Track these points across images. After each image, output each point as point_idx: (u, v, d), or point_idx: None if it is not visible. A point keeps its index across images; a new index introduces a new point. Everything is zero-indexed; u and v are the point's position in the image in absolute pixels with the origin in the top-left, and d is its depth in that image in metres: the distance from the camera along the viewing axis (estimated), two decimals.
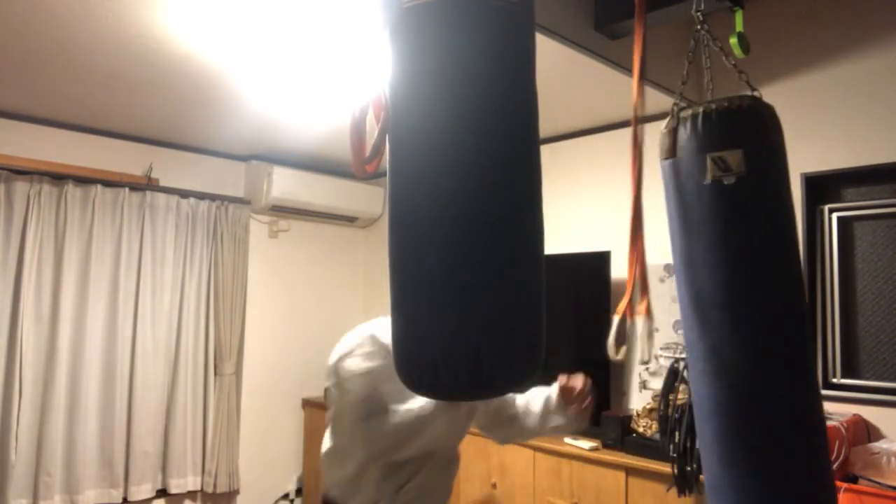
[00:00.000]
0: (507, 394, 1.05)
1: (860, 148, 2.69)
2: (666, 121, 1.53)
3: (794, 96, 2.89)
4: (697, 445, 2.48)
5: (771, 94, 2.97)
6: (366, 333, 1.70)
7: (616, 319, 1.39)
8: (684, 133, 1.47)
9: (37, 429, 3.40)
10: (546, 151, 3.78)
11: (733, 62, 1.62)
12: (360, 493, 1.70)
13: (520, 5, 1.01)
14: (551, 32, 2.34)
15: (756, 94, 1.52)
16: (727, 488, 1.41)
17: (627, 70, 2.66)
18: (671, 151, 1.49)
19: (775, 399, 1.38)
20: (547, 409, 1.88)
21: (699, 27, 1.63)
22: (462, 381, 0.96)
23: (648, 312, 1.44)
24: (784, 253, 1.44)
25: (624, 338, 1.37)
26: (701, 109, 1.45)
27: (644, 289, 1.46)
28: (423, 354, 0.97)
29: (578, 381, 1.84)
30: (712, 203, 1.42)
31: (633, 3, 1.60)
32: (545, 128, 3.62)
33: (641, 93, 1.49)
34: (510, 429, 1.98)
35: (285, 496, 4.46)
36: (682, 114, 1.49)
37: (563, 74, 2.80)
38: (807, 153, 2.83)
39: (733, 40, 2.06)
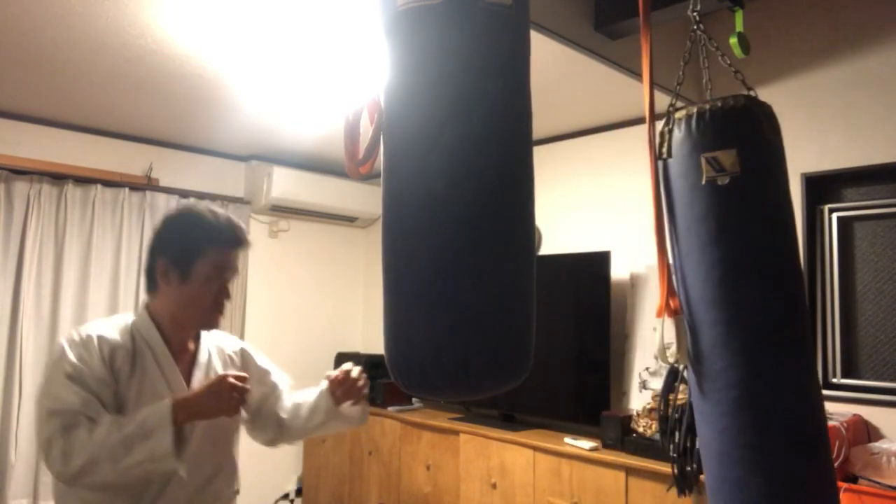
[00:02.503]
0: (493, 394, 1.03)
1: (860, 148, 2.68)
2: (663, 121, 1.53)
3: (794, 96, 2.88)
4: (697, 446, 2.49)
5: (771, 94, 2.98)
6: (88, 331, 1.51)
7: (663, 321, 1.38)
8: (678, 133, 1.46)
9: None
10: (546, 151, 3.78)
11: (729, 62, 1.62)
12: None
13: (514, 8, 1.01)
14: (551, 32, 2.34)
15: (752, 93, 1.51)
16: (728, 490, 1.41)
17: (627, 70, 2.66)
18: (665, 152, 1.49)
19: (774, 399, 1.37)
20: (316, 407, 1.76)
21: (695, 27, 1.63)
22: (450, 382, 0.96)
23: (680, 310, 1.43)
24: (781, 253, 1.43)
25: (673, 339, 1.37)
26: (695, 110, 1.45)
27: (672, 288, 1.45)
28: (411, 355, 0.98)
29: (347, 369, 1.74)
30: (707, 203, 1.41)
31: (633, 2, 1.60)
32: (546, 128, 3.62)
33: (652, 95, 1.49)
34: (277, 430, 1.82)
35: (285, 496, 4.46)
36: (677, 114, 1.49)
37: (563, 74, 2.80)
38: (807, 153, 2.83)
39: (733, 40, 2.06)
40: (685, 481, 2.49)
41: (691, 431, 2.53)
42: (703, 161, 1.41)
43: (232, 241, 1.62)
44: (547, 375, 3.38)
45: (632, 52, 2.56)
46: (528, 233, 1.02)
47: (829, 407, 2.59)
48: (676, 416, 2.57)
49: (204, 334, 1.71)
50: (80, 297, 3.60)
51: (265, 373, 1.87)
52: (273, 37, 2.48)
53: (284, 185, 4.20)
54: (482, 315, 0.95)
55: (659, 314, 1.40)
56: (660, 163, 1.51)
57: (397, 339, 1.01)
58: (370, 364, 4.29)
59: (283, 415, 1.81)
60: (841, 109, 2.75)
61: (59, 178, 3.56)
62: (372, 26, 1.07)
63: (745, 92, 1.52)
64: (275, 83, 2.96)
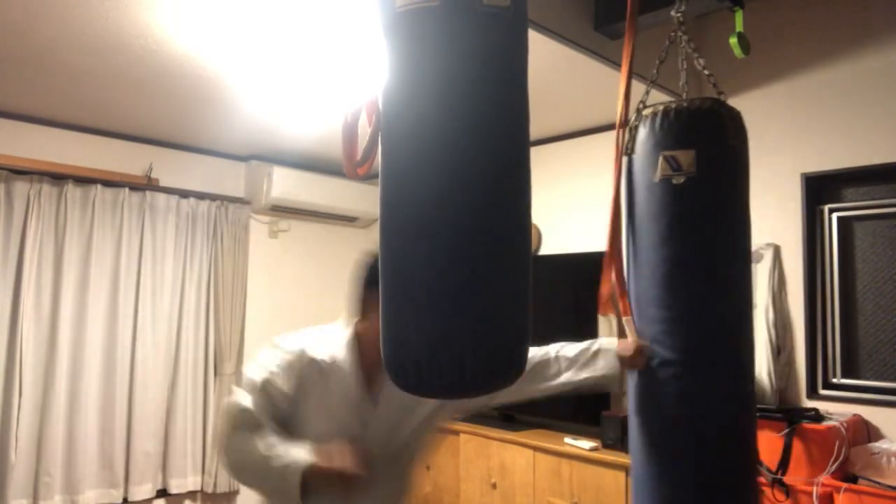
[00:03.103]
0: (488, 394, 1.04)
1: (860, 148, 2.68)
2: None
3: (794, 96, 2.88)
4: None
5: (771, 94, 2.99)
6: (299, 342, 1.65)
7: (602, 319, 1.40)
8: (643, 131, 1.47)
9: (37, 429, 3.41)
10: (546, 151, 3.78)
11: (703, 65, 1.62)
12: None
13: (512, 10, 1.01)
14: (551, 32, 2.34)
15: (721, 96, 1.51)
16: (650, 484, 1.43)
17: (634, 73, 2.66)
18: (629, 149, 1.50)
19: (705, 401, 1.39)
20: (607, 365, 1.62)
21: (676, 30, 1.63)
22: (445, 382, 0.97)
23: (629, 311, 1.44)
24: (728, 256, 1.44)
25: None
26: (661, 108, 1.46)
27: (623, 287, 1.45)
28: (408, 355, 0.98)
29: (631, 345, 1.61)
30: (659, 201, 1.42)
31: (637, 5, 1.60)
32: (545, 128, 3.62)
33: (628, 95, 1.50)
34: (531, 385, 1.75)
35: None
36: (645, 112, 1.50)
37: (563, 74, 2.80)
38: (807, 153, 2.83)
39: (733, 40, 2.06)
40: None
41: None
42: (661, 159, 1.41)
43: None
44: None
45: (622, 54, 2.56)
46: (524, 233, 1.02)
47: (830, 407, 2.60)
48: None
49: None
50: (80, 297, 3.60)
51: None
52: (273, 37, 2.48)
53: (284, 185, 4.20)
54: (477, 315, 0.96)
55: (603, 312, 1.41)
56: (623, 158, 1.52)
57: (394, 340, 1.01)
58: None
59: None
60: (841, 109, 2.75)
61: (59, 178, 3.56)
62: (371, 27, 1.07)
63: (715, 95, 1.53)
64: (274, 83, 2.96)
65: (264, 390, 1.57)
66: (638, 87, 2.76)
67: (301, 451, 1.50)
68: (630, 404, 1.52)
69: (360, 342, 1.67)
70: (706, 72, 1.62)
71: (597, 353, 1.66)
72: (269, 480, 1.51)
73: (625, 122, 1.50)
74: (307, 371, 1.60)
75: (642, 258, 1.47)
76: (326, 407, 1.60)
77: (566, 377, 1.72)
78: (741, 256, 1.47)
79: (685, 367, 1.39)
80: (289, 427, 1.58)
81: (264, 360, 1.63)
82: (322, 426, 1.58)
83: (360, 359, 1.66)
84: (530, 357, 1.72)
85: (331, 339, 1.69)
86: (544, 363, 1.74)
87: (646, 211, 1.45)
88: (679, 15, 1.63)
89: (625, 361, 1.64)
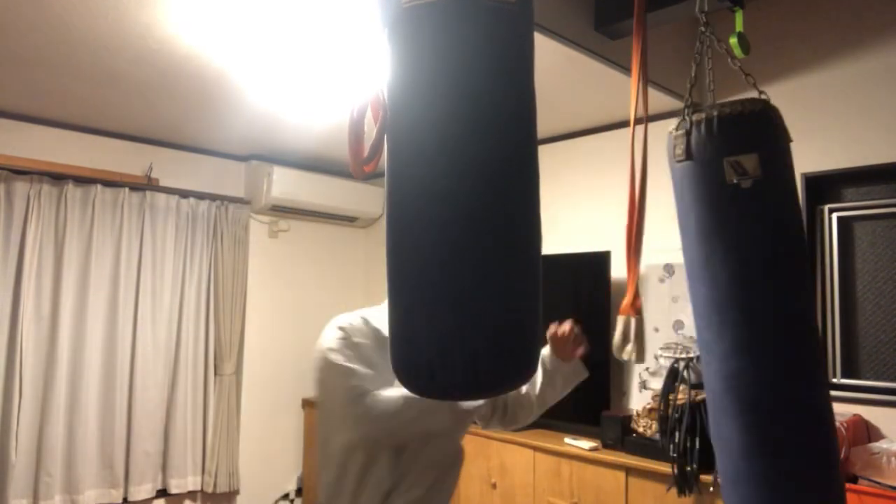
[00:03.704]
0: (499, 394, 1.05)
1: (860, 148, 2.69)
2: (676, 123, 1.53)
3: (795, 96, 2.89)
4: (697, 445, 2.49)
5: (771, 94, 2.97)
6: (355, 317, 1.68)
7: (621, 319, 1.40)
8: (698, 136, 1.47)
9: (37, 429, 3.40)
10: (546, 151, 3.78)
11: (738, 65, 1.62)
12: (342, 498, 1.63)
13: (519, 6, 1.01)
14: (551, 32, 2.34)
15: (764, 96, 1.52)
16: (749, 480, 1.44)
17: (627, 70, 2.66)
18: (685, 154, 1.49)
19: (792, 397, 1.42)
20: (545, 369, 1.84)
21: (703, 29, 1.63)
22: (458, 382, 0.96)
23: (640, 311, 1.44)
24: (798, 256, 1.46)
25: (630, 337, 1.38)
26: (715, 113, 1.46)
27: (636, 288, 1.46)
28: (419, 354, 0.98)
29: (564, 325, 1.84)
30: (730, 206, 1.43)
31: (633, 3, 1.60)
32: (546, 128, 3.62)
33: (645, 96, 1.50)
34: (519, 409, 1.89)
35: (285, 496, 4.46)
36: (695, 116, 1.50)
37: (563, 74, 2.80)
38: (807, 153, 2.83)
39: (733, 40, 2.06)
40: (685, 481, 2.49)
41: (691, 431, 2.53)
42: (726, 164, 1.42)
43: None
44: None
45: (632, 52, 2.57)
46: (533, 230, 1.02)
47: None
48: (676, 416, 2.58)
49: None
50: (80, 297, 3.60)
51: None
52: (274, 37, 2.48)
53: (284, 185, 4.20)
54: (489, 313, 0.95)
55: (624, 312, 1.42)
56: (678, 165, 1.52)
57: (404, 340, 1.00)
58: None
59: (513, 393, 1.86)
60: (841, 109, 2.75)
61: (59, 178, 3.56)
62: (375, 24, 1.07)
63: (756, 96, 1.53)
64: (275, 83, 2.97)
65: (362, 360, 1.58)
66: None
67: None
68: (712, 407, 1.53)
69: None
70: (743, 73, 1.62)
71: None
72: (418, 418, 1.52)
73: (639, 121, 1.50)
74: (376, 342, 1.62)
75: (717, 264, 1.47)
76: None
77: (532, 397, 1.87)
78: (806, 256, 1.51)
79: (764, 366, 1.41)
80: None
81: (337, 335, 1.62)
82: None
83: None
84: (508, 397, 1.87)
85: (383, 314, 1.70)
86: (519, 396, 1.88)
87: (715, 217, 1.46)
88: (703, 15, 1.63)
89: (560, 346, 1.82)
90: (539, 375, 1.85)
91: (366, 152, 1.08)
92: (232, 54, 2.65)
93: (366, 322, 1.65)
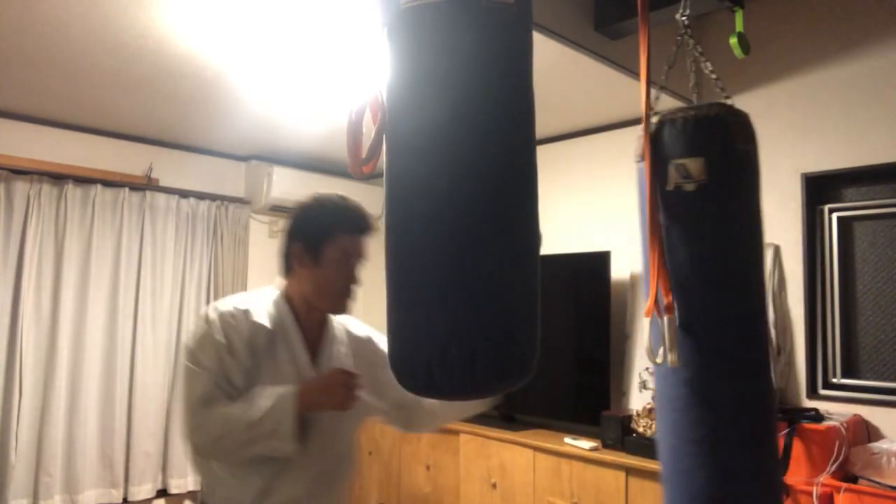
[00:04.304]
0: (498, 394, 1.04)
1: (860, 148, 2.69)
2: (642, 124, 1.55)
3: (794, 96, 2.89)
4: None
5: (771, 94, 2.99)
6: (232, 307, 1.57)
7: (649, 322, 1.39)
8: (653, 137, 1.48)
9: (37, 429, 3.40)
10: (546, 151, 3.78)
11: (711, 68, 1.63)
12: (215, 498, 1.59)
13: (517, 6, 1.01)
14: (551, 32, 2.34)
15: (728, 101, 1.53)
16: (678, 481, 1.43)
17: (627, 70, 2.66)
18: (639, 155, 1.51)
19: (729, 400, 1.40)
20: None
21: (683, 33, 1.64)
22: (456, 382, 0.96)
23: (673, 309, 1.43)
24: (740, 261, 1.44)
25: (663, 339, 1.37)
26: (668, 116, 1.47)
27: (666, 286, 1.45)
28: (417, 354, 0.98)
29: None
30: (672, 209, 1.43)
31: (632, 3, 1.60)
32: (545, 128, 3.62)
33: (649, 95, 1.50)
34: (414, 414, 1.80)
35: None
36: (653, 119, 1.50)
37: (563, 74, 2.80)
38: (807, 153, 2.84)
39: (733, 40, 2.06)
40: None
41: None
42: (671, 167, 1.42)
43: (360, 227, 1.70)
44: (547, 375, 3.39)
45: (632, 52, 2.57)
46: (532, 231, 1.02)
47: (830, 407, 2.60)
48: None
49: (335, 319, 1.76)
50: (80, 297, 3.60)
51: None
52: (273, 37, 2.48)
53: (284, 185, 4.20)
54: (487, 314, 0.95)
55: (647, 313, 1.41)
56: (637, 165, 1.53)
57: (402, 340, 1.00)
58: None
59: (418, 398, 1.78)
60: (841, 109, 2.75)
61: (59, 178, 3.56)
62: (374, 24, 1.07)
63: (722, 99, 1.53)
64: (275, 83, 2.96)
65: (219, 362, 1.49)
66: (629, 84, 2.77)
67: (280, 393, 1.47)
68: (656, 405, 1.53)
69: (292, 303, 1.65)
70: (713, 76, 1.62)
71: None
72: (259, 428, 1.43)
73: (647, 120, 1.51)
74: (256, 338, 1.55)
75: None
76: (275, 376, 1.54)
77: (436, 408, 1.77)
78: (753, 260, 1.48)
79: (703, 367, 1.40)
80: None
81: (213, 332, 1.53)
82: None
83: (296, 317, 1.63)
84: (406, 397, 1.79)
85: (268, 303, 1.63)
86: (427, 404, 1.78)
87: (660, 218, 1.46)
88: (684, 18, 1.64)
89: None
90: None
91: (364, 153, 1.08)
92: (232, 54, 2.65)
93: (246, 315, 1.56)
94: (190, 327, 3.97)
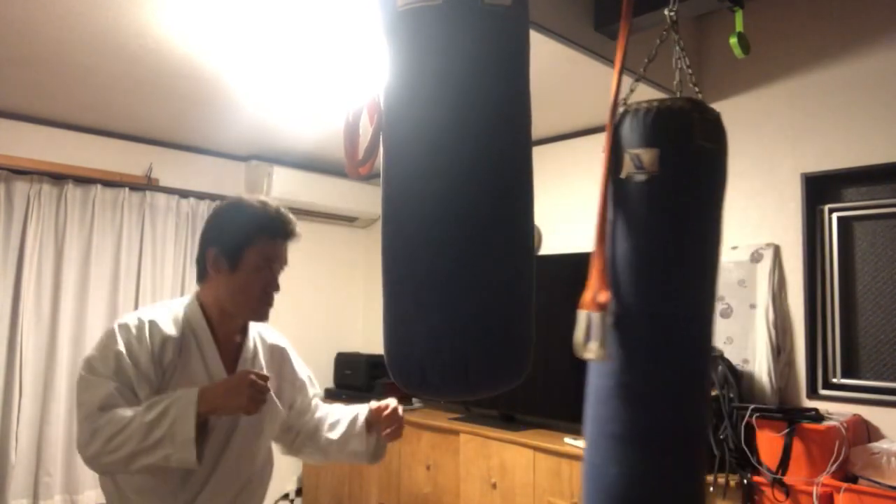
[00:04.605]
0: (492, 394, 1.03)
1: (860, 148, 2.68)
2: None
3: (795, 96, 2.88)
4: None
5: (771, 94, 2.99)
6: (136, 320, 1.50)
7: (583, 315, 1.35)
8: (619, 127, 1.48)
9: (37, 429, 3.41)
10: (546, 151, 3.78)
11: (688, 64, 1.62)
12: None
13: (514, 8, 1.01)
14: (551, 32, 2.34)
15: (699, 96, 1.51)
16: (592, 475, 1.43)
17: (627, 70, 2.65)
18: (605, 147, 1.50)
19: (650, 399, 1.37)
20: (352, 428, 1.75)
21: (668, 27, 1.63)
22: (449, 382, 0.96)
23: (608, 306, 1.41)
24: (680, 258, 1.40)
25: (593, 334, 1.34)
26: (634, 107, 1.45)
27: (605, 281, 1.44)
28: (411, 355, 0.98)
29: (391, 401, 1.74)
30: (621, 199, 1.41)
31: (632, 3, 1.61)
32: (546, 128, 3.62)
33: (619, 86, 1.50)
34: (303, 440, 1.79)
35: (285, 496, 4.46)
36: (620, 110, 1.50)
37: (564, 74, 2.80)
38: (807, 153, 2.83)
39: (733, 40, 2.06)
40: None
41: None
42: (626, 157, 1.41)
43: (281, 232, 1.63)
44: (547, 375, 3.38)
45: (632, 52, 2.56)
46: (527, 233, 1.02)
47: (830, 407, 2.60)
48: None
49: (251, 327, 1.70)
50: (80, 297, 3.60)
51: (302, 380, 1.84)
52: (273, 37, 2.48)
53: (284, 185, 4.20)
54: (481, 315, 0.95)
55: (586, 307, 1.38)
56: (602, 157, 1.53)
57: (397, 340, 1.01)
58: (370, 364, 4.31)
59: (312, 425, 1.80)
60: (841, 109, 2.75)
61: (59, 178, 3.56)
62: (372, 26, 1.07)
63: (697, 94, 1.53)
64: (275, 83, 2.96)
65: (119, 371, 1.42)
66: (641, 87, 2.77)
67: (181, 392, 1.39)
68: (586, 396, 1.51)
69: (206, 310, 1.58)
70: (689, 71, 1.62)
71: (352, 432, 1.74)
72: (157, 430, 1.32)
73: (613, 118, 1.51)
74: (163, 349, 1.48)
75: (607, 255, 1.46)
76: (189, 385, 1.46)
77: (323, 441, 1.77)
78: (697, 256, 1.43)
79: (623, 363, 1.38)
80: None
81: (112, 343, 1.45)
82: None
83: (211, 325, 1.57)
84: (318, 417, 1.78)
85: (177, 312, 1.56)
86: (317, 426, 1.78)
87: (611, 208, 1.45)
88: (672, 14, 1.63)
89: (377, 418, 1.71)
90: (343, 427, 1.76)
91: (361, 154, 1.08)
92: (232, 54, 2.65)
93: (151, 325, 1.49)
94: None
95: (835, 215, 2.76)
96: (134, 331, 1.48)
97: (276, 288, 1.63)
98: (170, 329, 1.52)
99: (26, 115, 3.48)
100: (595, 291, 1.37)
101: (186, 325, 1.55)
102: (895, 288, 2.62)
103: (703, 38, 3.16)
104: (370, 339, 4.83)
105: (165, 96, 3.17)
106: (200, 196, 4.10)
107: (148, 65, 2.76)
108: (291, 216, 1.66)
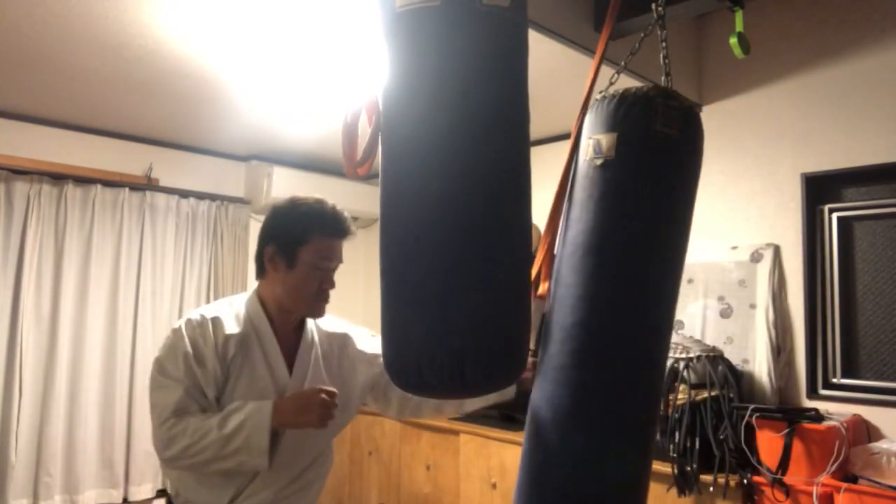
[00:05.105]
0: (488, 393, 1.05)
1: (860, 148, 2.68)
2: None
3: (795, 96, 2.88)
4: (697, 445, 2.47)
5: (771, 94, 2.99)
6: (200, 318, 1.58)
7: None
8: (590, 112, 1.47)
9: (37, 429, 3.40)
10: (546, 151, 3.78)
11: (665, 55, 1.62)
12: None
13: (512, 10, 1.01)
14: (551, 32, 2.34)
15: (668, 84, 1.51)
16: (522, 463, 1.49)
17: (628, 70, 2.65)
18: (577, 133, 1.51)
19: (577, 389, 1.35)
20: None
21: (654, 22, 1.63)
22: (445, 381, 0.97)
23: (547, 295, 1.40)
24: (626, 245, 1.38)
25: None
26: (601, 94, 1.45)
27: (548, 270, 1.42)
28: (409, 354, 0.98)
29: None
30: (580, 183, 1.41)
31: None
32: (546, 128, 3.62)
33: (597, 74, 1.51)
34: (403, 405, 1.83)
35: None
36: (595, 97, 1.51)
37: (564, 74, 2.80)
38: (807, 153, 2.83)
39: (733, 40, 2.06)
40: (685, 481, 2.49)
41: (691, 431, 2.53)
42: (587, 141, 1.41)
43: (336, 230, 1.66)
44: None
45: (632, 52, 2.57)
46: (524, 233, 1.02)
47: (830, 407, 2.60)
48: (676, 416, 2.57)
49: (309, 320, 1.74)
50: (80, 297, 3.60)
51: (374, 353, 1.85)
52: (273, 37, 2.48)
53: (284, 185, 4.20)
54: (477, 315, 0.96)
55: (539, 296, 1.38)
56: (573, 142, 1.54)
57: (394, 340, 1.01)
58: None
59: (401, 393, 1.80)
60: (841, 109, 2.75)
61: (59, 178, 3.56)
62: (371, 27, 1.07)
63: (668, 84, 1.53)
64: (275, 83, 2.96)
65: (189, 373, 1.50)
66: (630, 82, 2.77)
67: (255, 408, 1.47)
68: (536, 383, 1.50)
69: (266, 306, 1.64)
70: (666, 61, 1.62)
71: None
72: (233, 442, 1.43)
73: (584, 109, 1.51)
74: (226, 346, 1.54)
75: (561, 236, 1.45)
76: (252, 381, 1.54)
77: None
78: (647, 242, 1.39)
79: (561, 347, 1.35)
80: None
81: (181, 343, 1.53)
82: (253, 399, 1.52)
83: (271, 321, 1.62)
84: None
85: (239, 309, 1.63)
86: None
87: (570, 191, 1.45)
88: (660, 8, 1.63)
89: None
90: None
91: (359, 155, 1.08)
92: (232, 54, 2.65)
93: (215, 323, 1.56)
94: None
95: (835, 215, 2.76)
96: (199, 329, 1.55)
97: (332, 285, 1.69)
98: (232, 325, 1.58)
99: (26, 115, 3.48)
100: (537, 281, 1.37)
101: (247, 321, 1.60)
102: (895, 288, 2.62)
103: (703, 38, 3.16)
104: None
105: (165, 96, 3.17)
106: (200, 196, 4.10)
107: (148, 65, 2.76)
108: (346, 215, 1.70)
